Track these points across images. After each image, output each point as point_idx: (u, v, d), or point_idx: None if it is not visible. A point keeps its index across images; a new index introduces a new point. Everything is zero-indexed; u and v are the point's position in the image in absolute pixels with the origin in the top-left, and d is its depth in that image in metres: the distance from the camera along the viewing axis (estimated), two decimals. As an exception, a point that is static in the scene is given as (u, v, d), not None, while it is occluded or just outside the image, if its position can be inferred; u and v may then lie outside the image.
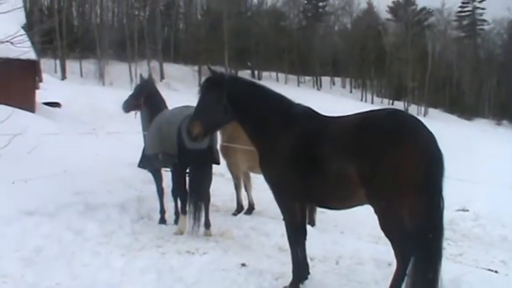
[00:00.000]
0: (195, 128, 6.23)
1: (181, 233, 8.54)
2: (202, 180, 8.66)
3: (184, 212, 8.65)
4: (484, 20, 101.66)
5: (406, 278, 5.21)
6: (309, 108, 6.18)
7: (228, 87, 6.16)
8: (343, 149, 5.36)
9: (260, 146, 6.27)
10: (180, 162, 8.54)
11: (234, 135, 9.98)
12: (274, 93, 6.37)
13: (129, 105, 10.26)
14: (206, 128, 6.29)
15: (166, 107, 9.85)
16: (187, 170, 8.71)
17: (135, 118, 10.18)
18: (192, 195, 8.46)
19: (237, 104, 6.18)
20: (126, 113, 10.44)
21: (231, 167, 10.80)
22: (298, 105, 6.25)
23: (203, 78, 7.05)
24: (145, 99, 9.97)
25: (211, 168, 8.97)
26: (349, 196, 5.53)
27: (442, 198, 5.15)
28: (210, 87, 6.27)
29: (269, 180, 6.20)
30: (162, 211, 9.42)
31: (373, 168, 5.07)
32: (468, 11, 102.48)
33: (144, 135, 9.81)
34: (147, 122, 9.79)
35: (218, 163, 9.35)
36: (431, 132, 5.19)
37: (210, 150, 8.67)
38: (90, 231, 8.01)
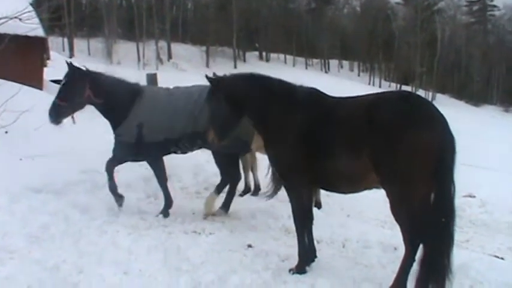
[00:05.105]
0: (210, 134, 6.26)
1: (207, 216, 8.36)
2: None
3: (218, 192, 8.56)
4: (495, 6, 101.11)
5: (415, 265, 5.20)
6: (315, 89, 6.12)
7: (224, 88, 6.20)
8: (354, 131, 5.31)
9: (266, 132, 6.21)
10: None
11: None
12: (273, 79, 6.31)
13: (64, 110, 7.98)
14: (219, 131, 6.24)
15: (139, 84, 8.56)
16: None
17: (74, 123, 8.60)
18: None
19: (238, 101, 6.17)
20: (57, 125, 8.13)
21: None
22: (301, 87, 6.17)
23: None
24: (98, 89, 7.96)
25: None
26: (359, 180, 5.50)
27: (454, 183, 5.12)
28: (211, 94, 6.35)
29: (276, 164, 6.19)
30: (170, 200, 8.51)
31: (387, 152, 5.04)
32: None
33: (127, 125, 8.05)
34: (121, 111, 8.06)
35: None
36: (444, 116, 5.15)
37: None
38: (97, 209, 8.00)
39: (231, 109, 6.14)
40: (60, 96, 7.88)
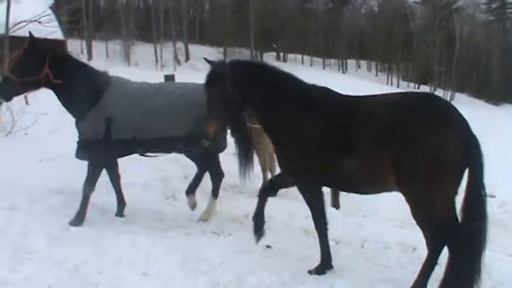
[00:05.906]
0: (211, 127, 5.79)
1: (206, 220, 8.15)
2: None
3: (216, 195, 8.39)
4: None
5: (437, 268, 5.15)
6: (327, 89, 5.92)
7: (231, 74, 5.73)
8: (376, 132, 5.18)
9: (277, 132, 5.96)
10: None
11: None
12: (285, 73, 6.02)
13: (13, 86, 6.87)
14: (221, 124, 5.95)
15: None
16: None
17: (27, 104, 7.22)
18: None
19: (246, 90, 5.80)
20: (7, 101, 7.60)
21: (257, 148, 10.62)
22: (314, 85, 5.98)
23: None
24: (59, 70, 6.97)
25: None
26: (380, 182, 5.38)
27: (484, 186, 5.02)
28: (213, 80, 5.83)
29: (287, 164, 6.06)
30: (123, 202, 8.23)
31: (410, 154, 4.95)
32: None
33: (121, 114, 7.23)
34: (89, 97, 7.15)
35: None
36: (464, 118, 5.07)
37: None
38: (116, 210, 8.05)
39: (233, 100, 5.76)
40: (12, 70, 6.86)
